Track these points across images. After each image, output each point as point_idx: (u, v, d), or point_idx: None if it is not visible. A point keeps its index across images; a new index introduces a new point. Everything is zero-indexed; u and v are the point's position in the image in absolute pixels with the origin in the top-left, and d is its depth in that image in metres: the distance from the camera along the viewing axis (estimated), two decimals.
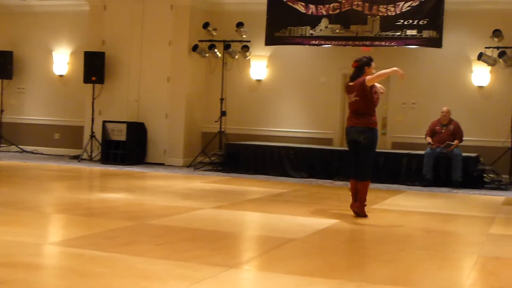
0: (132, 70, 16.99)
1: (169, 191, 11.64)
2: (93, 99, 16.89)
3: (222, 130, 16.63)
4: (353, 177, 9.59)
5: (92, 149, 16.86)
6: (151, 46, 16.86)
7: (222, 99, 16.69)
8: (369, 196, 11.89)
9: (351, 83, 9.59)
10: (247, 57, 16.84)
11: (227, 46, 16.56)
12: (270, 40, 16.04)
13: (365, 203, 9.46)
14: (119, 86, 17.06)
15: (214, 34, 16.72)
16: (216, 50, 16.71)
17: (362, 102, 9.39)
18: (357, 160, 9.56)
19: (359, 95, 9.38)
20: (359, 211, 9.37)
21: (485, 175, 14.45)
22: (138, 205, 9.73)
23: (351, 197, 9.57)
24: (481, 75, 15.53)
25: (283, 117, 17.03)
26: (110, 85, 16.99)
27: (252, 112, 17.19)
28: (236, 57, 16.77)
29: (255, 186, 13.05)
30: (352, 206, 9.49)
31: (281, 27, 15.85)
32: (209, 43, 16.75)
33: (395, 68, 9.62)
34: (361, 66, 9.53)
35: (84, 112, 17.35)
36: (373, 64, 9.58)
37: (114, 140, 16.31)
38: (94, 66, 16.68)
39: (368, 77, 9.33)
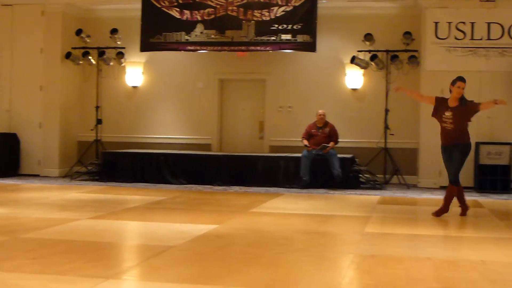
0: (2, 79, 16.48)
1: (44, 203, 11.31)
2: None
3: (99, 138, 16.36)
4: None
5: None
6: (22, 53, 16.41)
7: (97, 107, 16.43)
8: (247, 200, 11.98)
9: None
10: (122, 63, 16.63)
11: (101, 53, 16.32)
12: (145, 46, 15.87)
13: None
14: None
15: (88, 41, 16.45)
16: (90, 57, 16.45)
17: None
18: None
19: None
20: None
21: (360, 175, 14.82)
22: (11, 219, 9.38)
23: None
24: (354, 78, 15.94)
25: (161, 124, 16.91)
26: None
27: (129, 120, 16.99)
28: (111, 64, 16.54)
29: (133, 194, 12.87)
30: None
31: (156, 33, 15.70)
32: (82, 50, 16.48)
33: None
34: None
35: None
36: (458, 83, 10.24)
37: None
38: None
39: None
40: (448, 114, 10.14)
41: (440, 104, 10.31)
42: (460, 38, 14.88)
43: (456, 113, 10.14)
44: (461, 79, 10.18)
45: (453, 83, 10.21)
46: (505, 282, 6.10)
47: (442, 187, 14.66)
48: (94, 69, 16.68)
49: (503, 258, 7.24)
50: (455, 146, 10.17)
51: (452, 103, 10.20)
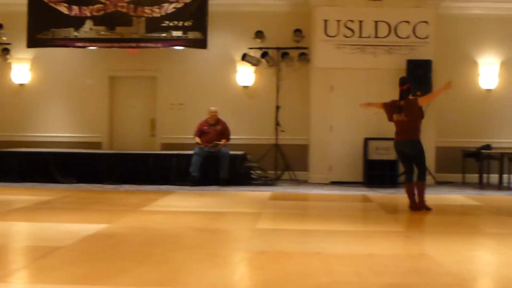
0: None
1: None
2: None
3: None
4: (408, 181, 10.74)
5: None
6: None
7: None
8: (139, 198, 11.87)
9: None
10: (8, 60, 16.15)
11: None
12: (33, 43, 15.51)
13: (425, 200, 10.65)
14: None
15: None
16: None
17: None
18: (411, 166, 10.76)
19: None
20: (422, 207, 10.54)
21: (252, 172, 14.90)
22: None
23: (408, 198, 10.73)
24: (245, 75, 16.00)
25: (49, 122, 16.52)
26: None
27: (16, 118, 16.51)
28: None
29: (21, 194, 12.51)
30: (414, 207, 10.58)
31: (44, 28, 15.37)
32: None
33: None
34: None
35: None
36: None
37: None
38: None
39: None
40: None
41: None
42: (349, 36, 15.17)
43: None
44: None
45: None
46: (391, 274, 6.25)
47: (332, 183, 14.96)
48: None
49: (390, 251, 7.42)
50: None
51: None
